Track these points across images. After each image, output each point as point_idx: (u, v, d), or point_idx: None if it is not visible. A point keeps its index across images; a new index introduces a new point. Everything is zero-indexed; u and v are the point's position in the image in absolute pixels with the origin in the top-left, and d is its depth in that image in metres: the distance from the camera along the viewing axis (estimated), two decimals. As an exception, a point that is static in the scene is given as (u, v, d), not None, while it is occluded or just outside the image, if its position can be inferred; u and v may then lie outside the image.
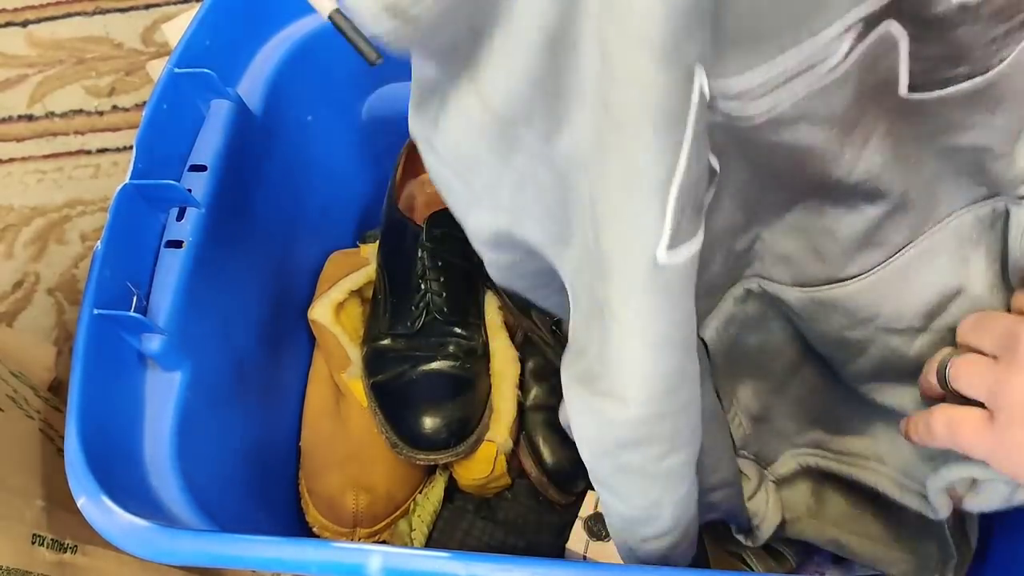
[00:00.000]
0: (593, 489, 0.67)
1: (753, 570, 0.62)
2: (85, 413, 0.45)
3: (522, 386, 0.66)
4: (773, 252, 0.42)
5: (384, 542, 0.64)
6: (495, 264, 0.38)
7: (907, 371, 0.44)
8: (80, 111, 1.06)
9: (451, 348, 0.64)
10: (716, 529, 0.62)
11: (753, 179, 0.36)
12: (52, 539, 0.59)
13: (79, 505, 0.42)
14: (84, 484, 0.43)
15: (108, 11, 1.12)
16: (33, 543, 0.57)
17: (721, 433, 0.49)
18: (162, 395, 0.51)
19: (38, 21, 1.12)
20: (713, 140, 0.32)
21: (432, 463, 0.61)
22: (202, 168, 0.55)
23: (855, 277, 0.41)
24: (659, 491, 0.37)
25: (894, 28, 0.31)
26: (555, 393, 0.66)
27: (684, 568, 0.61)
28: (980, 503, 0.44)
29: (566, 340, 0.59)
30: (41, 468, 0.62)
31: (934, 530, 0.51)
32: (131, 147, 0.53)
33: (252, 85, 0.62)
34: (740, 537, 0.56)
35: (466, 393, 0.62)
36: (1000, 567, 0.56)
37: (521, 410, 0.65)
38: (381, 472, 0.64)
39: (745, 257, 0.43)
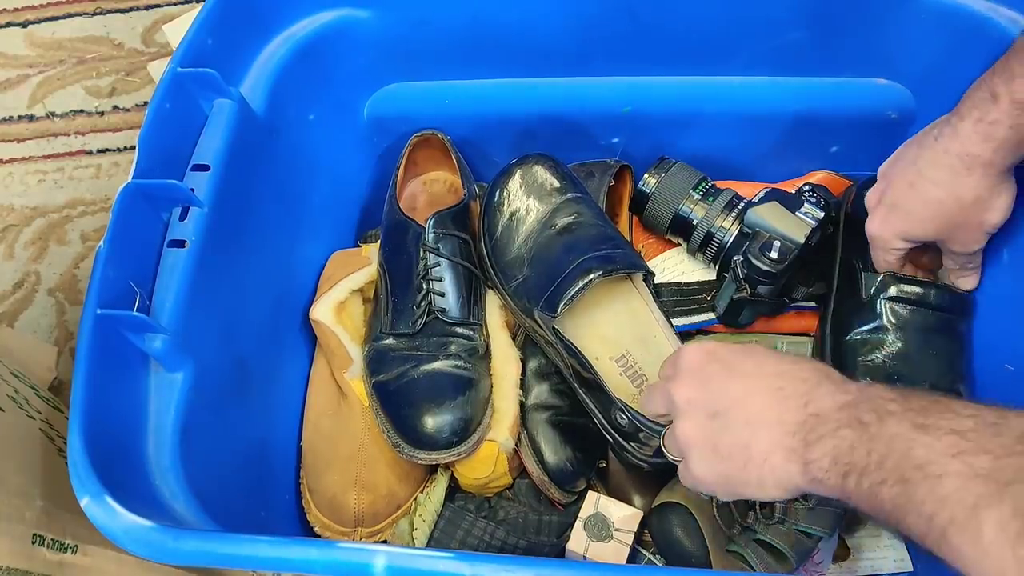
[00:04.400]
0: (593, 489, 0.67)
1: (753, 570, 0.63)
2: (88, 413, 0.45)
3: (523, 386, 0.66)
4: None
5: (385, 541, 0.64)
6: None
7: None
8: (81, 111, 1.06)
9: (452, 348, 0.64)
10: (715, 528, 0.62)
11: None
12: (52, 539, 0.59)
13: (82, 505, 0.42)
14: (87, 484, 0.43)
15: (108, 11, 1.12)
16: (33, 543, 0.57)
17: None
18: (165, 395, 0.51)
19: (38, 21, 1.12)
20: None
21: (433, 463, 0.61)
22: (205, 168, 0.55)
23: None
24: None
25: None
26: (556, 393, 0.66)
27: (684, 568, 0.62)
28: None
29: (566, 340, 0.59)
30: (42, 468, 0.62)
31: None
32: (132, 147, 0.53)
33: (254, 85, 0.62)
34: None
35: (467, 393, 0.62)
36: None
37: (522, 410, 0.65)
38: (382, 471, 0.64)
39: None
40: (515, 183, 0.66)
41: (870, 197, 0.60)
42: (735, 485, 0.45)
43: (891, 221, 0.58)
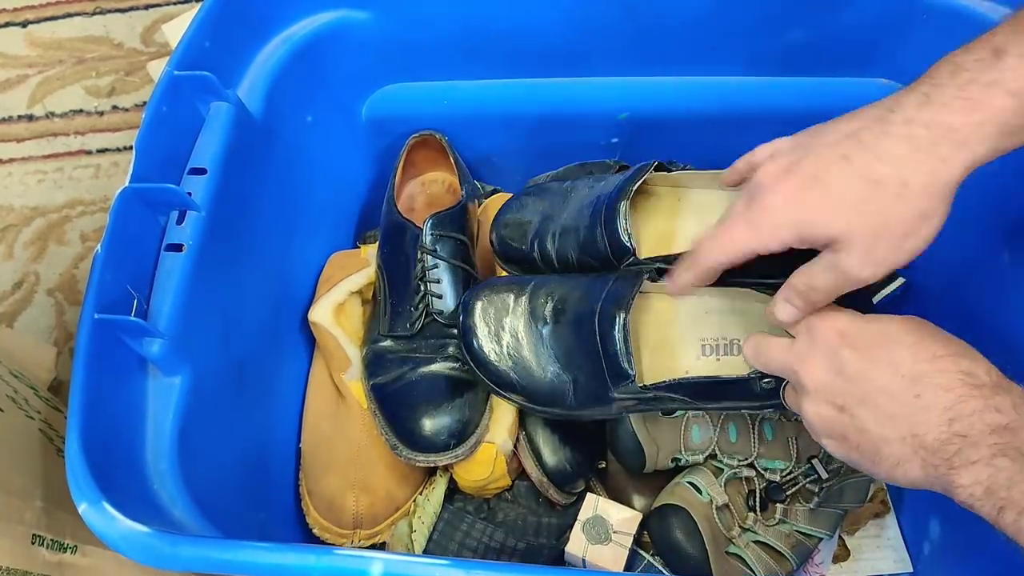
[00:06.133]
0: (592, 491, 0.67)
1: (753, 572, 0.63)
2: (86, 418, 0.45)
3: (522, 388, 0.66)
4: None
5: (384, 544, 0.64)
6: None
7: None
8: (80, 111, 1.06)
9: (451, 350, 0.63)
10: (715, 530, 0.62)
11: None
12: (52, 539, 0.59)
13: (80, 511, 0.42)
14: (85, 490, 0.42)
15: (108, 11, 1.12)
16: (33, 543, 0.57)
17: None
18: (163, 399, 0.51)
19: (38, 21, 1.12)
20: None
21: (432, 465, 0.61)
22: (202, 171, 0.55)
23: None
24: None
25: None
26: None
27: (683, 571, 0.62)
28: None
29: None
30: (41, 468, 0.62)
31: None
32: (131, 147, 0.53)
33: (252, 87, 0.62)
34: None
35: (465, 395, 0.62)
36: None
37: (521, 411, 0.65)
38: (381, 473, 0.64)
39: None
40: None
41: (767, 169, 0.45)
42: (864, 468, 0.43)
43: (804, 199, 0.42)
